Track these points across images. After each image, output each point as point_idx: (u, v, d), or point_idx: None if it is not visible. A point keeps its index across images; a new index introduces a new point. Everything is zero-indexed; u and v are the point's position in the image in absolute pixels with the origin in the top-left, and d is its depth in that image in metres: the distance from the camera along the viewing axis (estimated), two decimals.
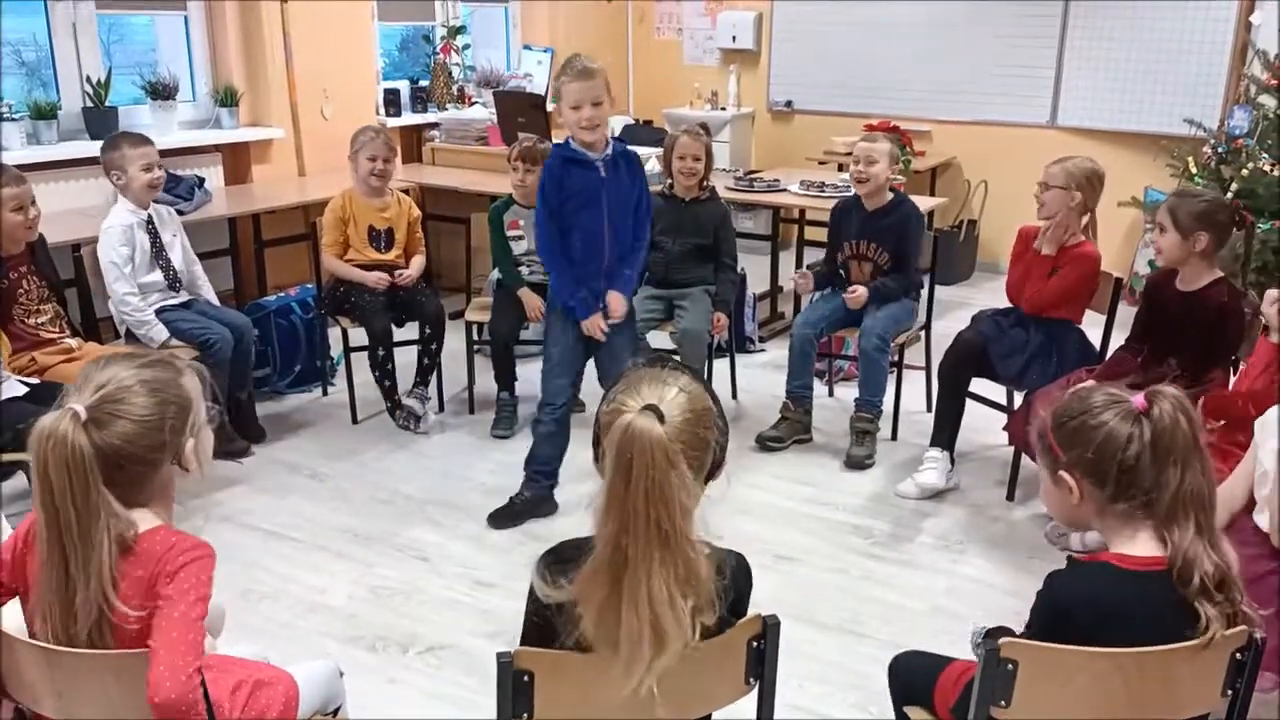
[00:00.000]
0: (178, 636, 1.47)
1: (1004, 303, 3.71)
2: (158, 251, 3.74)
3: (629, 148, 3.30)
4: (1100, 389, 1.60)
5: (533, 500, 3.40)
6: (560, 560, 1.46)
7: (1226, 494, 2.30)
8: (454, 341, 4.36)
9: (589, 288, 3.25)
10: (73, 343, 3.41)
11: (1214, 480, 1.56)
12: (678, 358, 4.16)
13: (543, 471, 3.40)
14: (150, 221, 3.71)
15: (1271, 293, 2.72)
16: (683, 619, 1.40)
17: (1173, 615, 1.50)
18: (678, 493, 1.38)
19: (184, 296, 3.82)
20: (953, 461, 3.63)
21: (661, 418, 1.39)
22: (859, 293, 3.85)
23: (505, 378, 4.15)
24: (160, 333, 3.63)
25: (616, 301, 3.28)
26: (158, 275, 3.73)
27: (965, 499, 3.61)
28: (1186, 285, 3.15)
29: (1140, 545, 1.56)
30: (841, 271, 4.07)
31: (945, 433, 3.62)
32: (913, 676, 1.90)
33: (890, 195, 3.98)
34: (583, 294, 3.26)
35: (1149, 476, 1.52)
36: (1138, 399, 1.54)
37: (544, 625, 1.45)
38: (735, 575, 1.53)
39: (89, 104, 4.58)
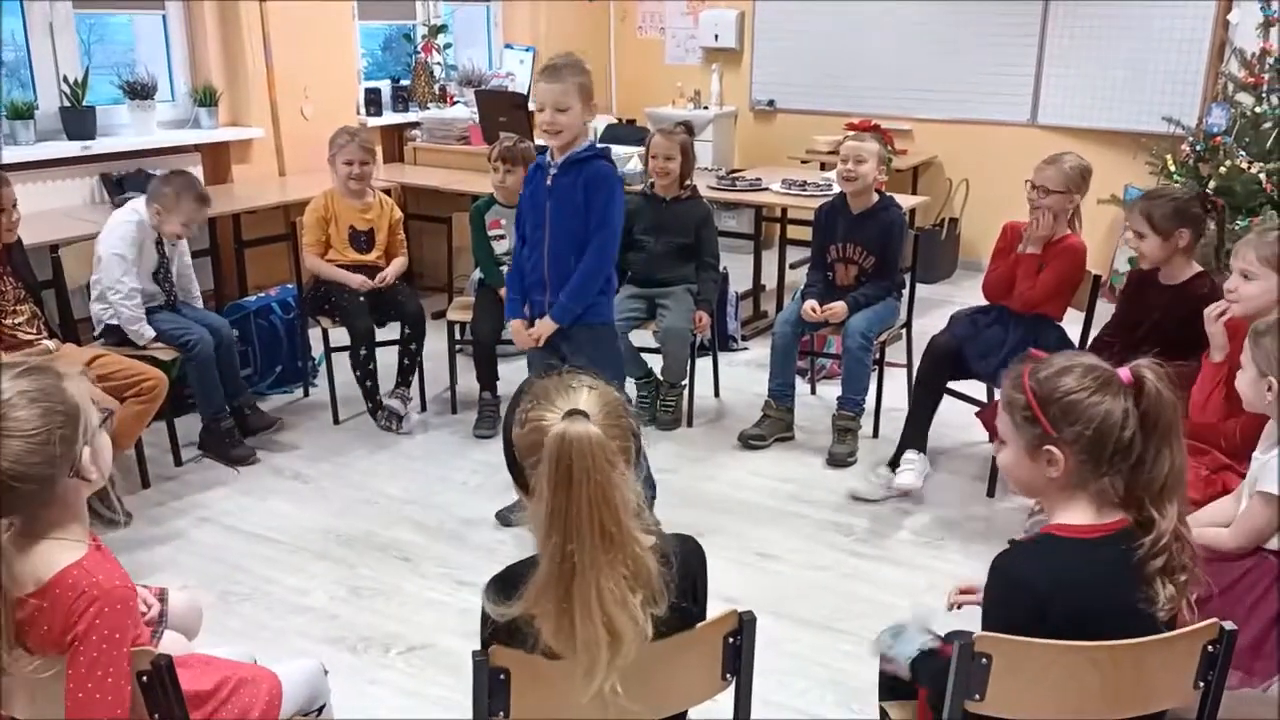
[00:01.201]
0: (99, 698, 1.44)
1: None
2: (164, 273, 3.77)
3: (598, 159, 3.07)
4: (1076, 360, 1.59)
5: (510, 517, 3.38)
6: (506, 585, 1.44)
7: (1220, 511, 2.33)
8: (436, 341, 4.35)
9: (531, 297, 3.20)
10: (50, 344, 3.39)
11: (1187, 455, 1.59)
12: (648, 358, 4.16)
13: None
14: (160, 240, 3.74)
15: (1214, 308, 2.74)
16: (636, 615, 1.40)
17: (1121, 579, 1.53)
18: (620, 491, 1.38)
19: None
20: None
21: (588, 417, 1.38)
22: (837, 308, 3.86)
23: (487, 378, 4.14)
24: (149, 332, 3.65)
25: (540, 326, 3.17)
26: (155, 289, 3.75)
27: (945, 495, 3.62)
28: (1169, 279, 3.18)
29: (1085, 516, 1.58)
30: (828, 274, 4.07)
31: (920, 436, 3.64)
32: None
33: (876, 197, 3.98)
34: (511, 294, 3.27)
35: (1138, 451, 1.53)
36: (1124, 372, 1.55)
37: (504, 644, 1.45)
38: (687, 559, 1.52)
39: (66, 104, 4.56)
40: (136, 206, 3.71)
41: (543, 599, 1.39)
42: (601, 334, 3.20)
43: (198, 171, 5.00)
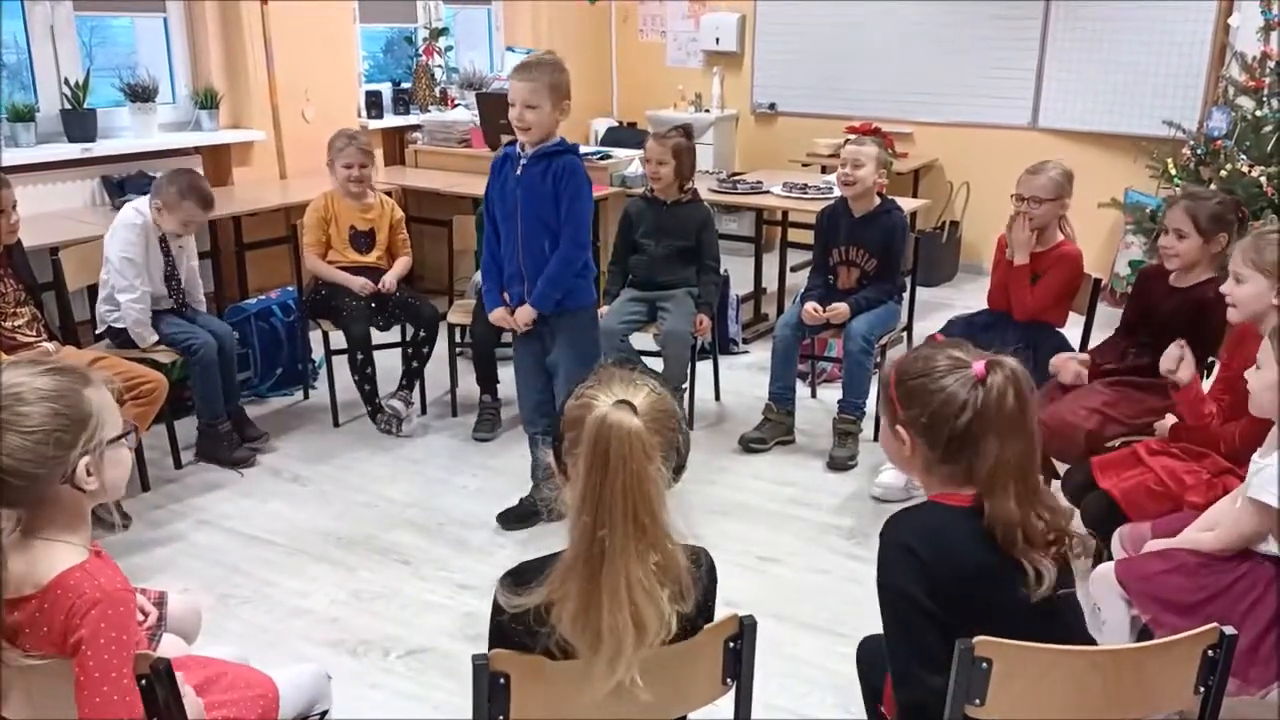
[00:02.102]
0: (118, 699, 1.44)
1: (985, 304, 3.73)
2: (170, 271, 3.76)
3: (567, 154, 3.14)
4: (946, 349, 1.62)
5: (537, 503, 3.39)
6: (521, 581, 1.45)
7: (1217, 514, 2.32)
8: (436, 344, 4.35)
9: (509, 288, 3.27)
10: (49, 346, 3.37)
11: (1037, 449, 1.59)
12: (649, 361, 4.16)
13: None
14: (164, 240, 3.73)
15: (1171, 351, 2.72)
16: (662, 608, 1.41)
17: (994, 547, 1.54)
18: (656, 485, 1.39)
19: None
20: None
21: (635, 411, 1.40)
22: (840, 309, 3.86)
23: (487, 381, 4.14)
24: (152, 336, 3.66)
25: (520, 314, 3.25)
26: (163, 292, 3.75)
27: None
28: (1180, 281, 3.11)
29: (951, 490, 1.61)
30: (829, 277, 4.07)
31: None
32: (875, 659, 1.91)
33: (878, 200, 3.98)
34: (488, 285, 3.32)
35: (973, 443, 1.55)
36: (977, 366, 1.57)
37: (512, 641, 1.45)
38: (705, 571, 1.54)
39: (67, 106, 4.56)
40: (139, 206, 3.71)
41: (568, 581, 1.40)
42: (581, 319, 3.29)
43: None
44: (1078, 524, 1.63)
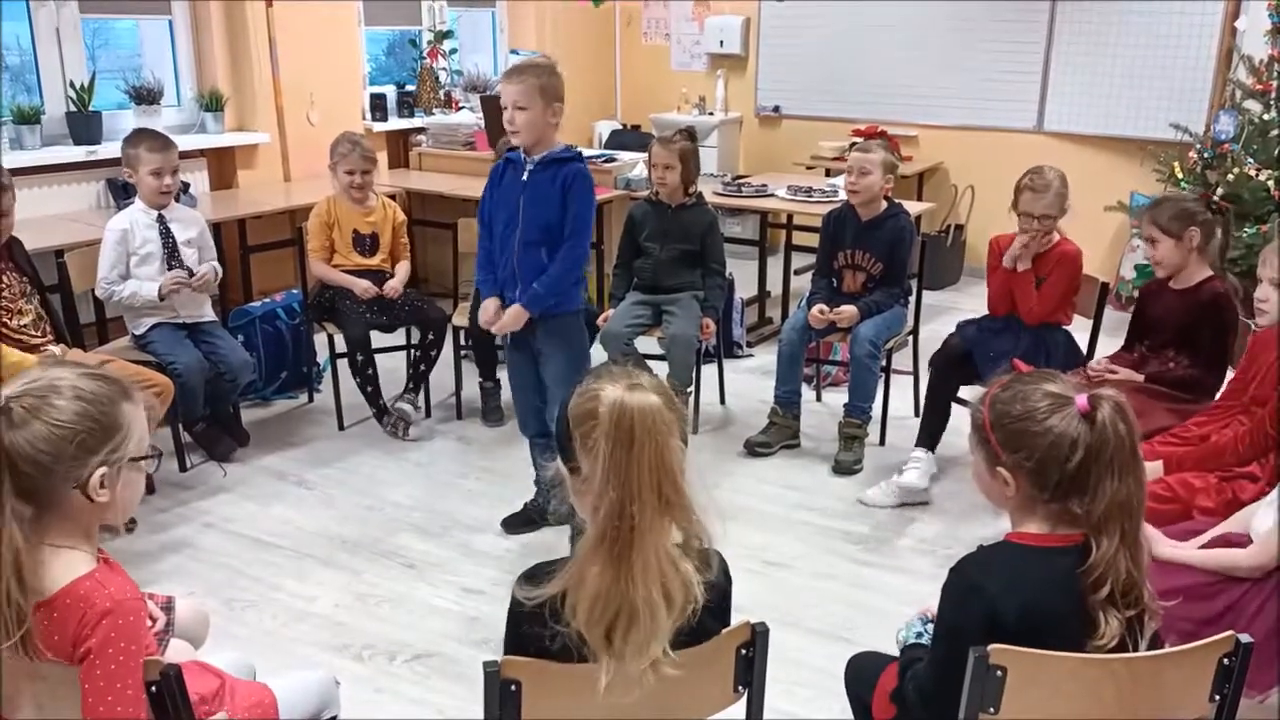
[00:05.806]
0: (121, 710, 1.43)
1: (986, 309, 3.72)
2: (171, 251, 3.71)
3: (577, 160, 3.11)
4: (1040, 383, 1.57)
5: (545, 508, 3.38)
6: (538, 574, 1.46)
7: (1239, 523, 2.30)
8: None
9: (504, 292, 3.21)
10: (56, 350, 3.34)
11: (1144, 486, 1.55)
12: (653, 365, 4.16)
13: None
14: (162, 219, 3.70)
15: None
16: (689, 578, 1.44)
17: (1072, 589, 1.52)
18: (677, 458, 1.41)
19: (189, 317, 3.78)
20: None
21: (650, 390, 1.43)
22: (848, 312, 3.85)
23: (486, 367, 4.12)
24: (149, 289, 3.60)
25: (510, 314, 3.16)
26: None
27: (953, 503, 3.60)
28: (1181, 284, 3.16)
29: (1042, 529, 1.58)
30: (833, 280, 4.06)
31: (930, 434, 3.63)
32: (861, 675, 1.91)
33: (884, 204, 3.96)
34: (485, 276, 3.27)
35: (1086, 483, 1.51)
36: (1080, 400, 1.52)
37: (528, 637, 1.44)
38: (717, 576, 1.54)
39: (72, 108, 4.56)
40: (131, 206, 3.71)
41: (589, 564, 1.41)
42: (570, 321, 3.26)
43: (203, 176, 5.02)
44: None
